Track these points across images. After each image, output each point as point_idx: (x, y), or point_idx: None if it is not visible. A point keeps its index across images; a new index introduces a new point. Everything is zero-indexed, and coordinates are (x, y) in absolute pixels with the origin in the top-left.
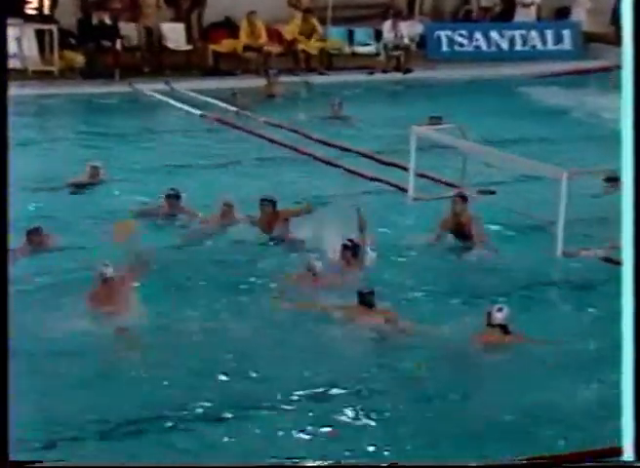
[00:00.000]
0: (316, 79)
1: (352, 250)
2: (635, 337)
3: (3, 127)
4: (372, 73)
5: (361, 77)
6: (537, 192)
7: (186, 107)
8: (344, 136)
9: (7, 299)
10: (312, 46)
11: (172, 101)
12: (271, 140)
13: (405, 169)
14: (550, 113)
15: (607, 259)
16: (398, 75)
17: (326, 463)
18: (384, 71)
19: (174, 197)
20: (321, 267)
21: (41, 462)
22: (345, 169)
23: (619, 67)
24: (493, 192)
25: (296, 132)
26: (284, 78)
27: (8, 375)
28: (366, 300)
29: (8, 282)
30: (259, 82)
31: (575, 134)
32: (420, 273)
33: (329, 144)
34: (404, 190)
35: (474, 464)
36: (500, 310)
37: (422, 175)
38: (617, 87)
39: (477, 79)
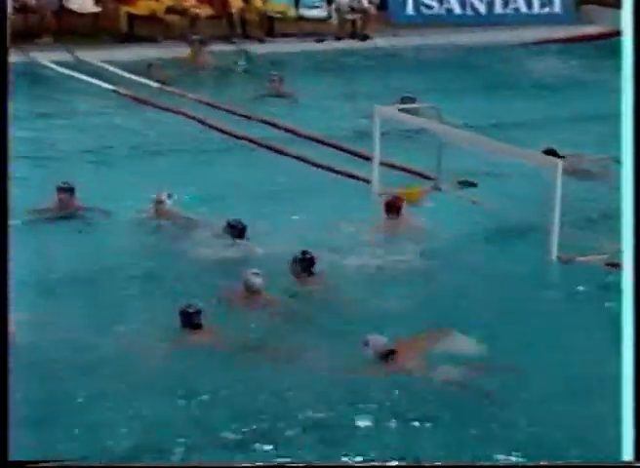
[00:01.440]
0: (255, 48)
1: (305, 263)
2: (635, 338)
3: (3, 125)
4: (322, 41)
5: (309, 46)
6: (526, 185)
7: (96, 81)
8: (286, 117)
9: (7, 299)
10: (250, 8)
11: (77, 74)
12: (202, 122)
13: (368, 158)
14: (540, 90)
15: (611, 264)
16: (354, 43)
17: (326, 463)
18: (337, 39)
19: (67, 191)
20: (261, 284)
21: (40, 462)
22: (299, 158)
23: (618, 33)
24: (474, 184)
25: (233, 113)
26: (215, 47)
27: (8, 375)
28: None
29: (8, 282)
30: (184, 51)
31: (570, 114)
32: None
33: (278, 127)
34: (367, 182)
35: (474, 464)
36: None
37: (390, 166)
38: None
39: (450, 48)
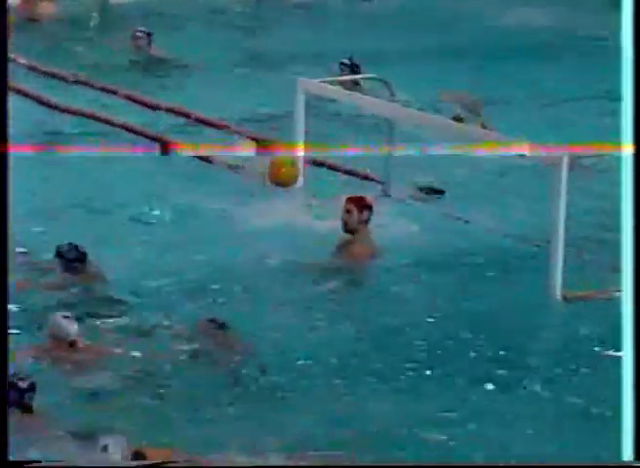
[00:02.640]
0: None
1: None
2: (635, 338)
3: (3, 123)
4: None
5: None
6: (513, 189)
7: None
8: (156, 91)
9: (7, 298)
10: None
11: None
12: (39, 101)
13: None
14: (525, 47)
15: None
16: None
17: (326, 463)
18: None
19: None
20: (76, 331)
21: (40, 462)
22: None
23: None
24: (441, 192)
25: (83, 84)
26: None
27: (7, 375)
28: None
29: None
30: None
31: (567, 84)
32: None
33: (152, 108)
34: None
35: (474, 464)
36: None
37: (319, 164)
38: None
39: None
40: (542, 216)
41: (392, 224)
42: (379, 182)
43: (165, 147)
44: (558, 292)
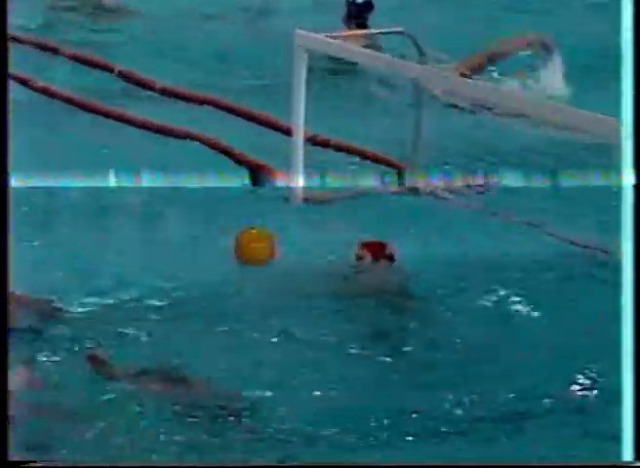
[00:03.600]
0: None
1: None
2: (635, 337)
3: (3, 125)
4: None
5: None
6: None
7: None
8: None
9: (6, 299)
10: None
11: None
12: None
13: (282, 131)
14: None
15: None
16: None
17: (325, 463)
18: None
19: None
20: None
21: (40, 462)
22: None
23: None
24: (490, 186)
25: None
26: None
27: (7, 375)
28: None
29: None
30: None
31: None
32: None
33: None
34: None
35: (474, 464)
36: None
37: (321, 143)
38: None
39: None
40: None
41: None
42: (401, 170)
43: (258, 175)
44: None
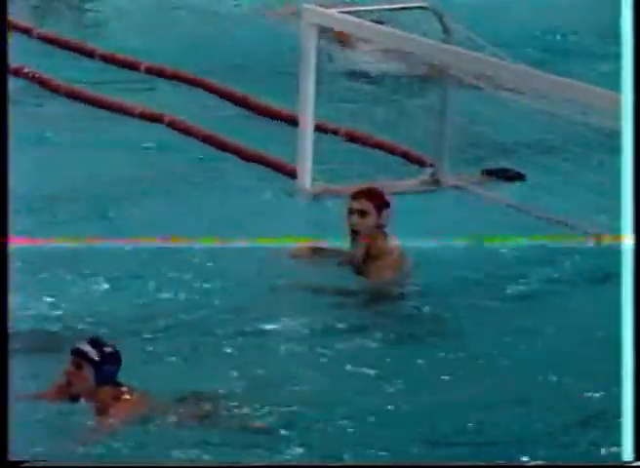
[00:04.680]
0: None
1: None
2: (635, 336)
3: (3, 128)
4: None
5: None
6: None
7: None
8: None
9: (7, 301)
10: None
11: None
12: None
13: (289, 120)
14: None
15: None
16: None
17: (325, 463)
18: None
19: None
20: None
21: (40, 462)
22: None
23: None
24: (519, 176)
25: None
26: None
27: (8, 375)
28: None
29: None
30: None
31: None
32: None
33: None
34: (290, 175)
35: (474, 464)
36: None
37: (330, 131)
38: None
39: None
40: None
41: (445, 225)
42: (420, 163)
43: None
44: None
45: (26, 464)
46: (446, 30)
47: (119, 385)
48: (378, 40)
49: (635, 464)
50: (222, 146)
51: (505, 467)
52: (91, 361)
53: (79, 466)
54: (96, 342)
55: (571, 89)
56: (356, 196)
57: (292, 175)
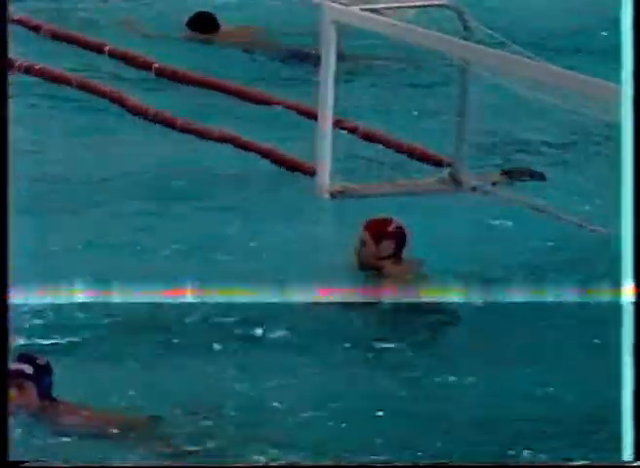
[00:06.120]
0: None
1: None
2: (635, 339)
3: (3, 126)
4: None
5: None
6: None
7: None
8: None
9: (7, 300)
10: None
11: None
12: None
13: (307, 114)
14: None
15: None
16: None
17: (325, 463)
18: None
19: None
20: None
21: (40, 462)
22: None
23: None
24: (540, 176)
25: None
26: None
27: (8, 375)
28: None
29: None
30: None
31: None
32: None
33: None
34: (306, 173)
35: (474, 464)
36: None
37: (347, 129)
38: None
39: None
40: None
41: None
42: (438, 163)
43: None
44: None
45: (26, 464)
46: (466, 28)
47: (55, 400)
48: (397, 37)
49: (635, 464)
50: (244, 146)
51: (505, 467)
52: (29, 377)
53: (79, 466)
54: (26, 358)
55: (596, 88)
56: (363, 225)
57: (310, 173)
